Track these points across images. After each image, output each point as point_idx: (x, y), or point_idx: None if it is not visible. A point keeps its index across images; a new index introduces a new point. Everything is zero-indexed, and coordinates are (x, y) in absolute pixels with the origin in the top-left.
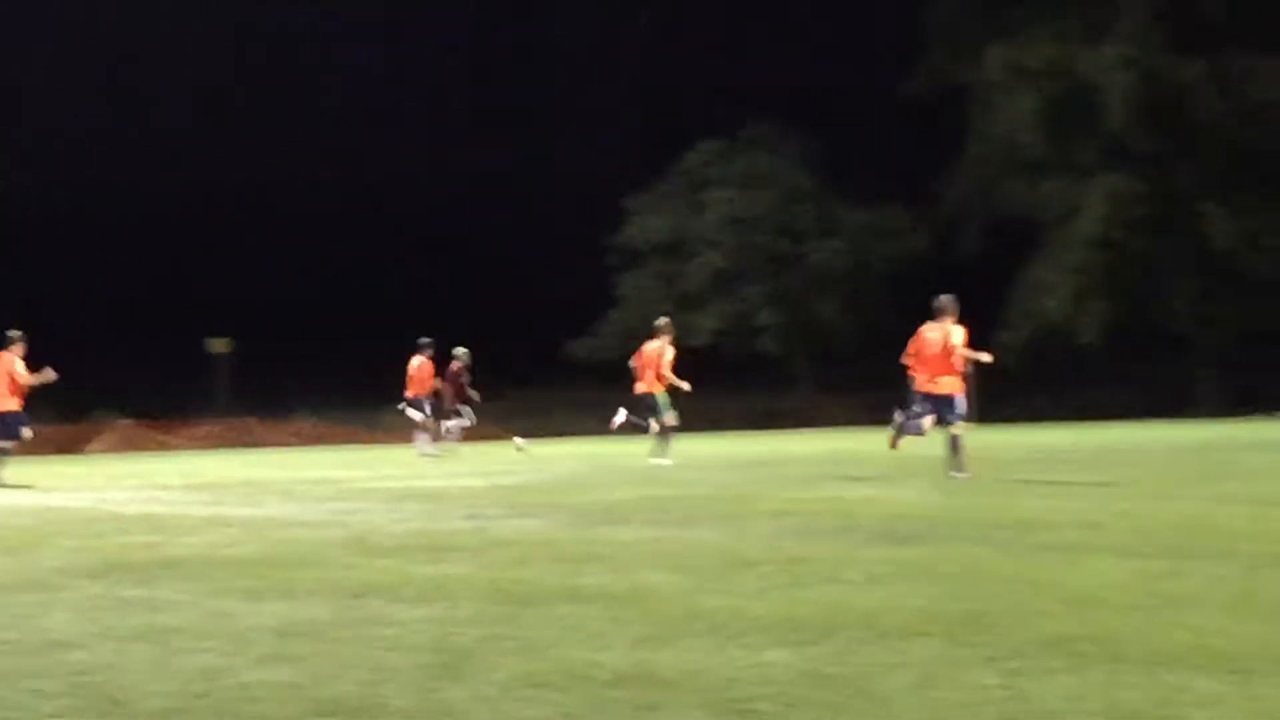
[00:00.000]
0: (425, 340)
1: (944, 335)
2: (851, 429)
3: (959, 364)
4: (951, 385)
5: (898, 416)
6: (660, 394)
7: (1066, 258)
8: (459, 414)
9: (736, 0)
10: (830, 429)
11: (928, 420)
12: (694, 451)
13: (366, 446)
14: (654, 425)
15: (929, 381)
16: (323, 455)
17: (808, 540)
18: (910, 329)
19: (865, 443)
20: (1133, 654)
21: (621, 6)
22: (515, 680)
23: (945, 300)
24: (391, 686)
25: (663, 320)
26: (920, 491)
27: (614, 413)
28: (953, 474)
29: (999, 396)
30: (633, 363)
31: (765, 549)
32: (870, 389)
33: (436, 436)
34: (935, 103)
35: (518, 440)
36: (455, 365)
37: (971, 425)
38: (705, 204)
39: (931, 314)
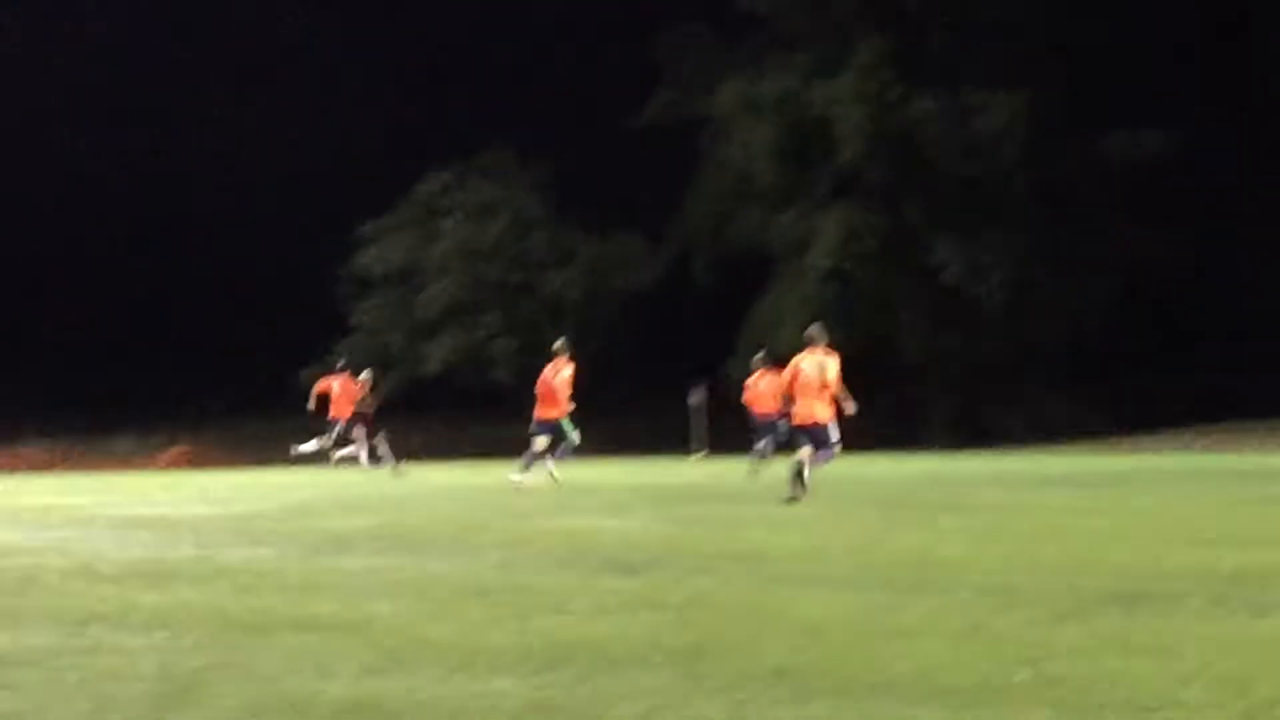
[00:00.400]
0: (343, 361)
1: (819, 367)
2: (582, 459)
3: (836, 392)
4: (827, 414)
5: (761, 445)
6: (565, 418)
7: (798, 289)
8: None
9: (470, 27)
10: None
11: (830, 451)
12: (425, 481)
13: (96, 472)
14: (539, 444)
15: (808, 411)
16: (51, 481)
17: (537, 570)
18: (645, 359)
19: (595, 473)
20: (857, 685)
21: (356, 30)
22: (240, 710)
23: (814, 330)
24: (115, 715)
25: (560, 343)
26: (648, 522)
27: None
28: (794, 496)
29: (731, 427)
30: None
31: (495, 578)
32: (603, 418)
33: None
34: (670, 133)
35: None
36: (359, 385)
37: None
38: (438, 233)
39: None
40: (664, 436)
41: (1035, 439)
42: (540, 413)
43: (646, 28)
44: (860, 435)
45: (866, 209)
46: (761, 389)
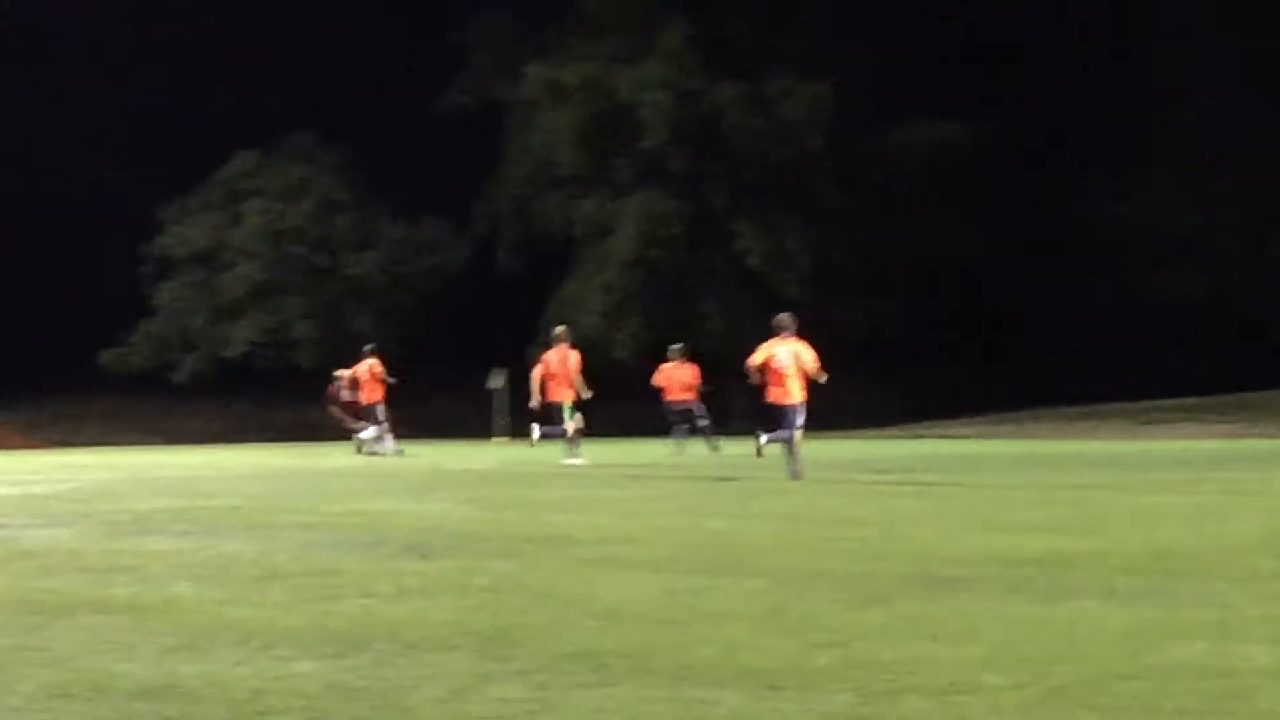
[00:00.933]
0: (370, 346)
1: (793, 354)
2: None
3: (815, 377)
4: (799, 396)
5: (761, 437)
6: (568, 402)
7: (602, 274)
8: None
9: (276, 9)
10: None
11: (789, 431)
12: (225, 462)
13: None
14: (569, 429)
15: (783, 394)
16: None
17: (338, 552)
18: (449, 343)
19: (397, 456)
20: (661, 668)
21: (161, 11)
22: (40, 692)
23: (784, 318)
24: None
25: (561, 329)
26: (450, 505)
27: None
28: (792, 476)
29: (533, 413)
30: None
31: (295, 561)
32: (406, 402)
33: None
34: (476, 118)
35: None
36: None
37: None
38: (243, 214)
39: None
40: (467, 420)
41: (837, 424)
42: (555, 396)
43: (452, 12)
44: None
45: (670, 195)
46: (676, 377)
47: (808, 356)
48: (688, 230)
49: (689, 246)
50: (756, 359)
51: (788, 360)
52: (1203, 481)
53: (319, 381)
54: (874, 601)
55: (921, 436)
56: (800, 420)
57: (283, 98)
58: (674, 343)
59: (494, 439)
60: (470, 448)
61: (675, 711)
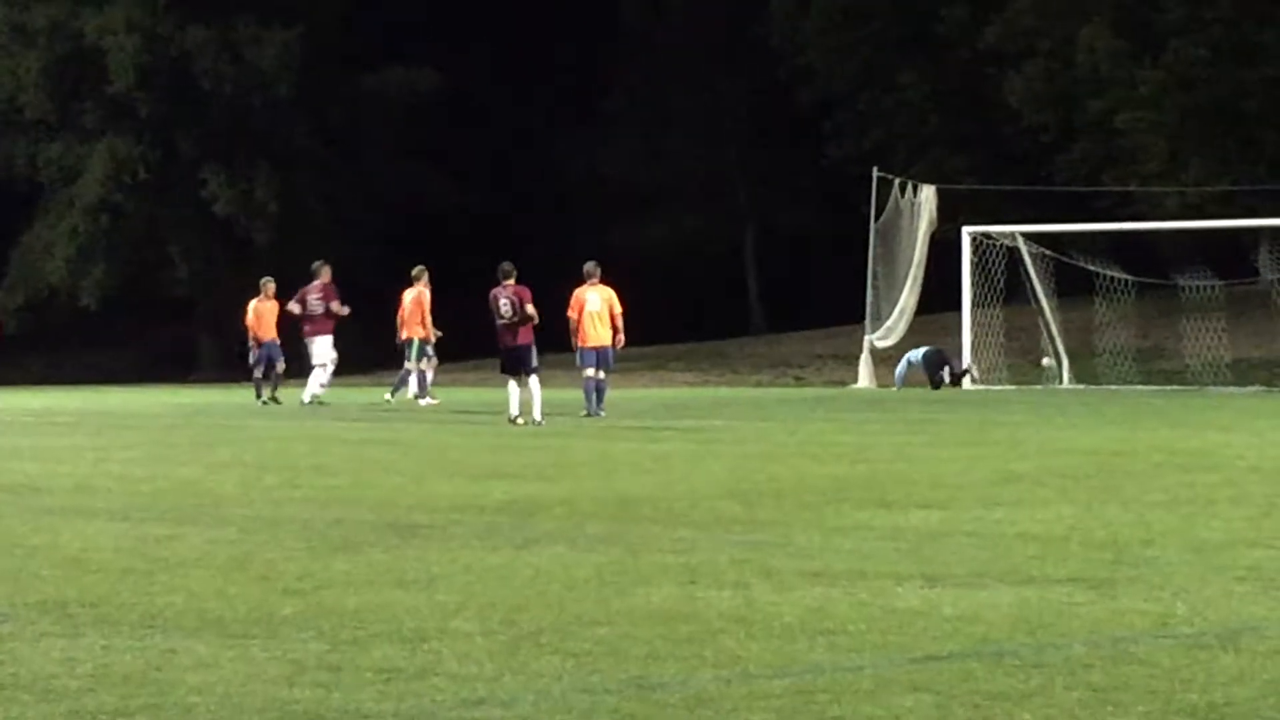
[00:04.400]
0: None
1: (603, 299)
2: None
3: (618, 322)
4: (608, 339)
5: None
6: (418, 340)
7: (67, 220)
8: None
9: None
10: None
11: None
12: None
13: None
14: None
15: (595, 337)
16: None
17: None
18: None
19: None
20: (126, 618)
21: None
22: None
23: (590, 266)
24: None
25: (418, 269)
26: None
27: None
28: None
29: None
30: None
31: None
32: None
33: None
34: None
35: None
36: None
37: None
38: None
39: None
40: None
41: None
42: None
43: None
44: (131, 367)
45: (138, 140)
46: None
47: (615, 301)
48: (156, 176)
49: (157, 192)
50: (573, 308)
51: (598, 304)
52: (666, 430)
53: None
54: (341, 549)
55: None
56: (612, 362)
57: None
58: (143, 288)
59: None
60: None
61: (142, 660)
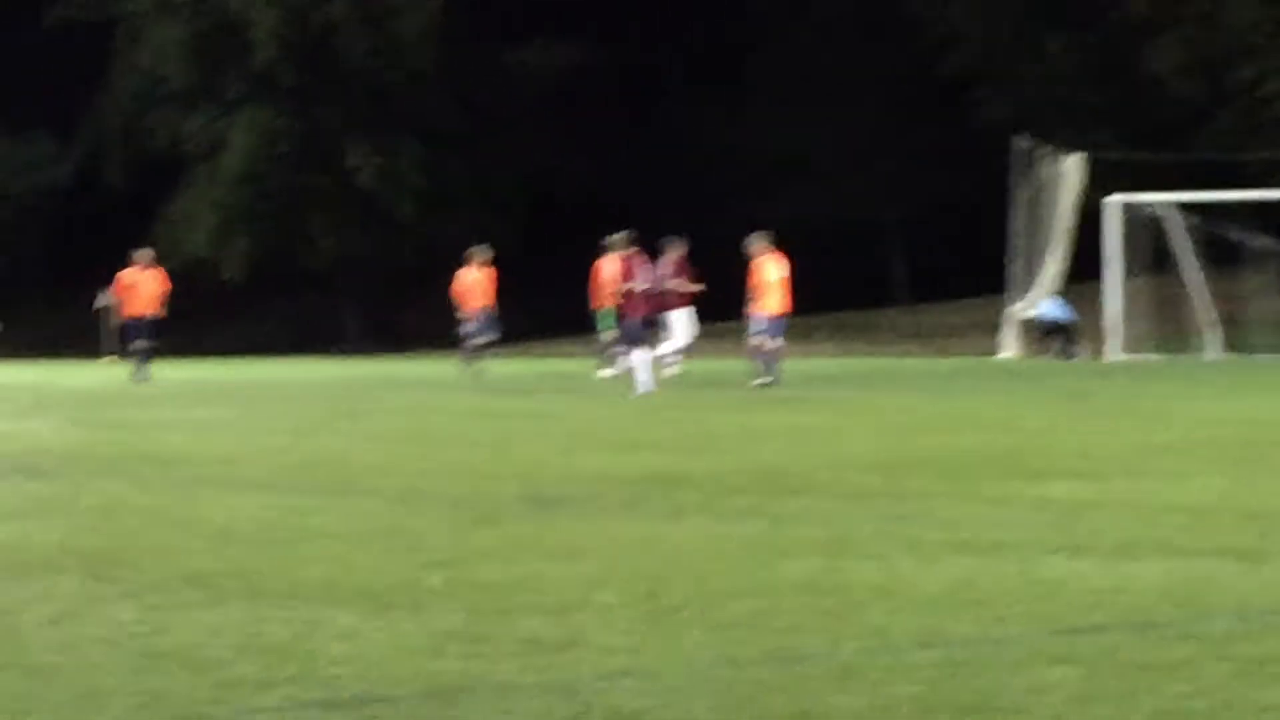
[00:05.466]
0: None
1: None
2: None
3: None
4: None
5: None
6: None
7: (211, 192)
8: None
9: None
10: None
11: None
12: None
13: None
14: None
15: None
16: None
17: None
18: (55, 262)
19: (3, 376)
20: (272, 588)
21: None
22: None
23: (614, 238)
24: None
25: (616, 237)
26: (55, 427)
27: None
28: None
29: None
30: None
31: None
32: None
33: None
34: (83, 32)
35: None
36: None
37: None
38: None
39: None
40: (75, 340)
41: (450, 344)
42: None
43: None
44: (275, 339)
45: (280, 112)
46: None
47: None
48: (298, 148)
49: (299, 164)
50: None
51: (782, 273)
52: (810, 401)
53: None
54: (485, 521)
55: (533, 354)
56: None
57: None
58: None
59: (103, 358)
60: (79, 368)
61: (288, 630)
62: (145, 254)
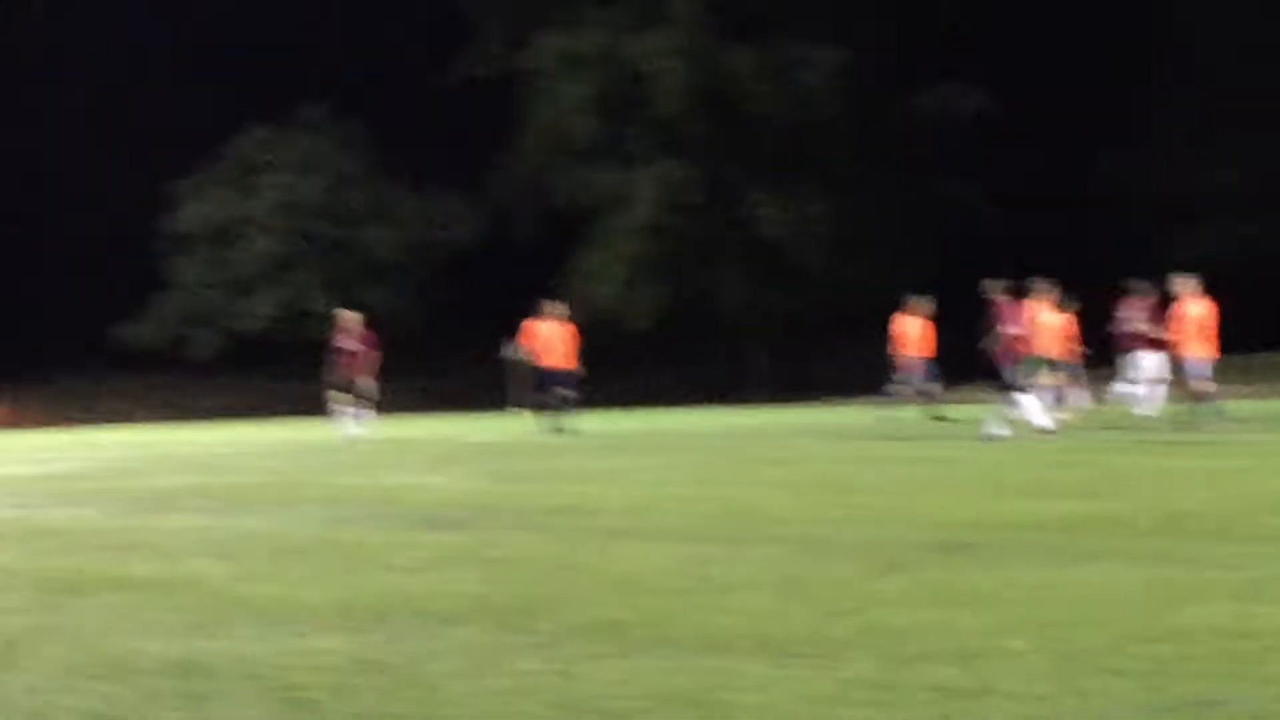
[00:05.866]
0: (920, 298)
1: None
2: (403, 415)
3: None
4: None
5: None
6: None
7: (618, 245)
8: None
9: None
10: (381, 415)
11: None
12: (243, 438)
13: None
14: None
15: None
16: None
17: (357, 527)
18: (465, 315)
19: (415, 428)
20: (682, 638)
21: None
22: (62, 670)
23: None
24: None
25: (1042, 285)
26: (465, 478)
27: None
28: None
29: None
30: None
31: (314, 535)
32: (422, 375)
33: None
34: (488, 88)
35: None
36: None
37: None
38: (257, 189)
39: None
40: (483, 392)
41: (856, 392)
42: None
43: None
44: (681, 389)
45: (686, 163)
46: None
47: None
48: (705, 198)
49: (706, 214)
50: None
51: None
52: (1223, 443)
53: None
54: (892, 569)
55: (940, 400)
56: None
57: (293, 69)
58: (692, 311)
59: (510, 410)
60: (487, 419)
61: (696, 681)
62: (556, 307)
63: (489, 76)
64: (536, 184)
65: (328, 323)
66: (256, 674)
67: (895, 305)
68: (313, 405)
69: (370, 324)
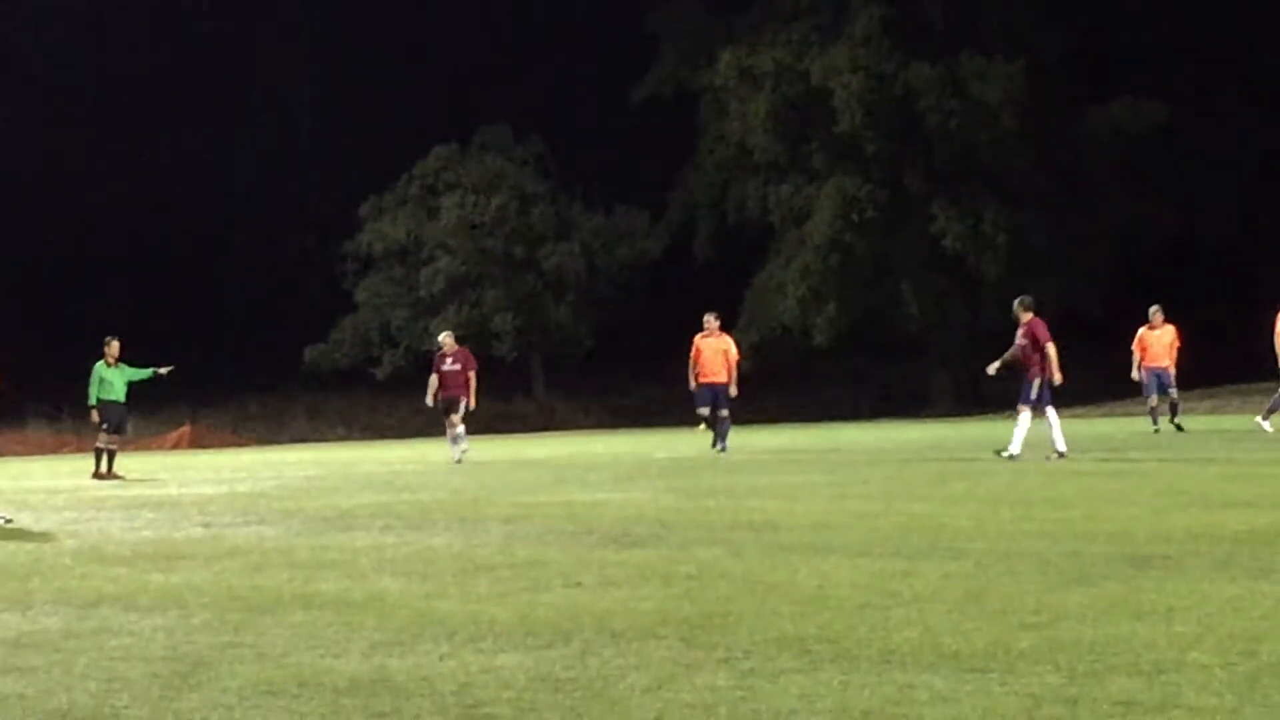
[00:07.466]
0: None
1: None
2: (586, 432)
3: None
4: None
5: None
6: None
7: (798, 259)
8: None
9: (466, 5)
10: (564, 433)
11: None
12: (428, 456)
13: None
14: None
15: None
16: (57, 463)
17: (542, 544)
18: (647, 332)
19: (599, 445)
20: (864, 653)
21: (354, 8)
22: (250, 688)
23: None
24: (125, 696)
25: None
26: (652, 494)
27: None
28: None
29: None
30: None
31: (499, 553)
32: (603, 392)
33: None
34: (668, 106)
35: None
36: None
37: None
38: (439, 209)
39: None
40: (668, 409)
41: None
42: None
43: (645, 1)
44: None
45: (865, 178)
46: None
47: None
48: (884, 213)
49: (886, 230)
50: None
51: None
52: None
53: (518, 373)
54: (1077, 581)
55: (1115, 414)
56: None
57: (477, 90)
58: (871, 324)
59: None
60: (671, 435)
61: (880, 696)
62: (709, 319)
63: (670, 94)
64: (717, 200)
65: (511, 340)
66: (440, 691)
67: (1074, 317)
68: (496, 423)
69: (462, 340)
